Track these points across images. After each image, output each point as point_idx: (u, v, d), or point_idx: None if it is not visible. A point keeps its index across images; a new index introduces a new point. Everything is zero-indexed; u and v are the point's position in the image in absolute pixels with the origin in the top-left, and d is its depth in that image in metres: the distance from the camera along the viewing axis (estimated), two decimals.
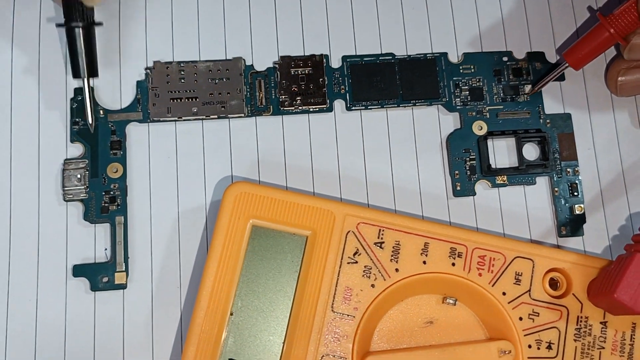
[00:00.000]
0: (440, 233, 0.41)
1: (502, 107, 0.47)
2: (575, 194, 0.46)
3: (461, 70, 0.47)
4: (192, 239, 0.43)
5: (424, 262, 0.40)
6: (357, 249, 0.40)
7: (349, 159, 0.45)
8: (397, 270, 0.40)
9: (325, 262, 0.40)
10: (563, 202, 0.46)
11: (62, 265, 0.43)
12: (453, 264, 0.40)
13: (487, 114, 0.46)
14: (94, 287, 0.42)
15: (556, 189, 0.46)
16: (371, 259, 0.40)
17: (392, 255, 0.40)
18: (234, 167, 0.45)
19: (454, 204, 0.45)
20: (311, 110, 0.46)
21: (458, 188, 0.45)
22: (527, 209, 0.46)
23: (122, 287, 0.43)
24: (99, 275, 0.43)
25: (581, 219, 0.45)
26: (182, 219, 0.44)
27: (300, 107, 0.46)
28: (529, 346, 0.40)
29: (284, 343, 0.39)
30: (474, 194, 0.45)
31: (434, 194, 0.45)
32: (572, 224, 0.45)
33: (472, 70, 0.47)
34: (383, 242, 0.40)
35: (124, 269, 0.43)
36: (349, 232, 0.40)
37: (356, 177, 0.45)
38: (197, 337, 0.38)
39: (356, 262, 0.40)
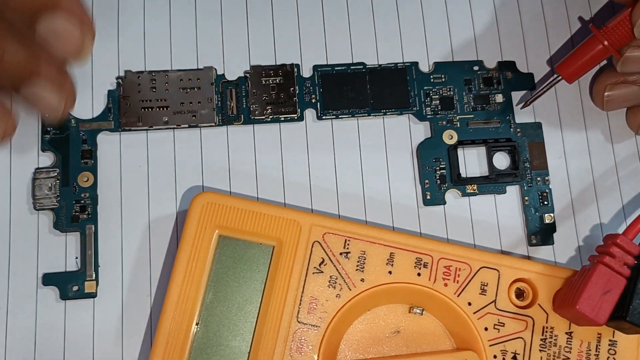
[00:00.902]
0: (405, 243, 0.41)
1: (472, 116, 0.47)
2: (546, 203, 0.46)
3: (432, 80, 0.47)
4: (162, 248, 0.44)
5: (390, 272, 0.40)
6: (323, 259, 0.40)
7: (319, 169, 0.46)
8: (362, 280, 0.40)
9: (291, 272, 0.40)
10: (533, 211, 0.46)
11: (32, 273, 0.43)
12: (419, 274, 0.40)
13: (458, 123, 0.47)
14: (64, 296, 0.43)
15: (526, 198, 0.46)
16: (337, 269, 0.40)
17: (357, 265, 0.40)
18: (205, 177, 0.45)
19: (425, 213, 0.45)
20: (282, 119, 0.46)
21: (428, 197, 0.45)
22: (498, 218, 0.46)
23: (92, 295, 0.43)
24: (69, 284, 0.43)
25: (551, 228, 0.46)
26: (152, 228, 0.44)
27: (270, 117, 0.46)
28: (495, 356, 0.40)
29: (249, 353, 0.39)
30: (444, 203, 0.45)
31: (404, 204, 0.45)
32: (542, 233, 0.45)
33: (443, 80, 0.47)
34: (349, 252, 0.40)
35: (94, 278, 0.43)
36: (314, 242, 0.40)
37: (327, 187, 0.45)
38: (163, 347, 0.38)
39: (322, 272, 0.40)
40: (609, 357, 0.41)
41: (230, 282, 0.40)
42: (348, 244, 0.40)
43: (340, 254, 0.40)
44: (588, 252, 0.44)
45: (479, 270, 0.41)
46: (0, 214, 0.44)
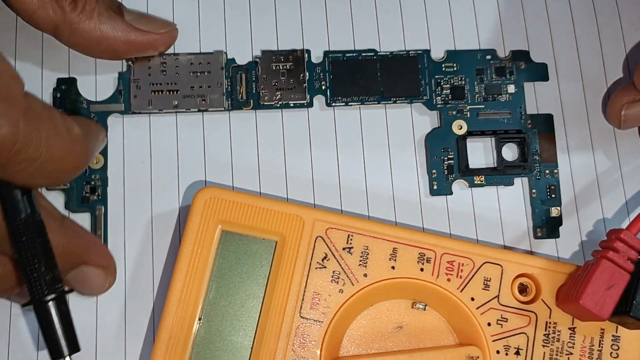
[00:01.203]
0: (409, 238, 0.41)
1: (483, 106, 0.46)
2: (553, 196, 0.45)
3: (443, 68, 0.47)
4: (164, 244, 0.44)
5: (393, 268, 0.40)
6: (326, 254, 0.40)
7: (322, 164, 0.45)
8: (365, 275, 0.40)
9: (294, 268, 0.40)
10: (540, 203, 0.45)
11: None
12: (422, 269, 0.40)
13: (468, 113, 0.46)
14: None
15: (534, 190, 0.45)
16: (340, 264, 0.40)
17: (360, 261, 0.40)
18: (208, 172, 0.45)
19: (428, 207, 0.45)
20: (291, 105, 0.46)
21: (435, 187, 0.45)
22: (504, 210, 0.45)
23: None
24: None
25: (557, 221, 0.45)
26: (155, 223, 0.44)
27: (280, 102, 0.46)
28: (497, 352, 0.40)
29: (252, 348, 0.40)
30: (451, 193, 0.45)
31: (410, 193, 0.45)
32: (548, 226, 0.45)
33: (455, 69, 0.47)
34: (352, 248, 0.40)
35: None
36: (317, 237, 0.40)
37: (330, 181, 0.45)
38: (165, 342, 0.39)
39: (325, 267, 0.40)
40: (612, 353, 0.41)
41: (233, 277, 0.40)
42: (351, 239, 0.40)
43: (343, 249, 0.40)
44: (591, 247, 0.43)
45: (482, 265, 0.41)
46: None
